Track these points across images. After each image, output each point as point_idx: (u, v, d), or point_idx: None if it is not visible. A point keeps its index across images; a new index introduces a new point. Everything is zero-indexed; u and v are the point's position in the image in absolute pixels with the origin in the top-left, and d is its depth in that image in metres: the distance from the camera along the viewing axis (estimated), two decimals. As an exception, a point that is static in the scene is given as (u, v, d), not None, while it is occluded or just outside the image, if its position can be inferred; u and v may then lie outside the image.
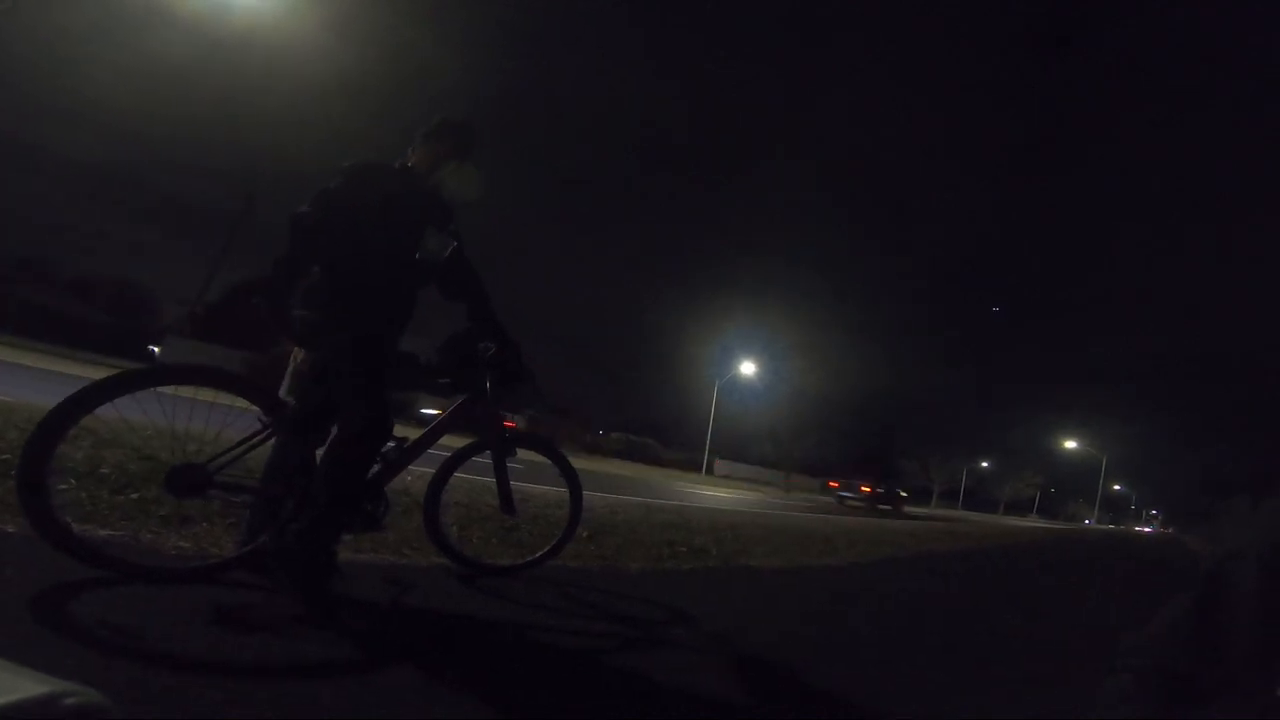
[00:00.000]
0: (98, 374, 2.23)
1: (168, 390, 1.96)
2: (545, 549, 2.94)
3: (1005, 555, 9.75)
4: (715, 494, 15.69)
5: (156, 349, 32.01)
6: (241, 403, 2.07)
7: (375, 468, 2.26)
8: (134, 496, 2.49)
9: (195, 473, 1.94)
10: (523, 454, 2.71)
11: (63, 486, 2.35)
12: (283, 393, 2.29)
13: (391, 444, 2.31)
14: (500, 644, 1.95)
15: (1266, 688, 0.65)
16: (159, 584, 1.85)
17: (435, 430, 2.44)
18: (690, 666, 2.05)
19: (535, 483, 5.02)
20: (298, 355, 2.37)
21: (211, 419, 2.10)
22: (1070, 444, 60.02)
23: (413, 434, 2.38)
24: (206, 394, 2.05)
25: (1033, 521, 53.87)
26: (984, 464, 62.26)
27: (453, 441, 2.81)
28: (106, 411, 1.89)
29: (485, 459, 2.69)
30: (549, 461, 2.89)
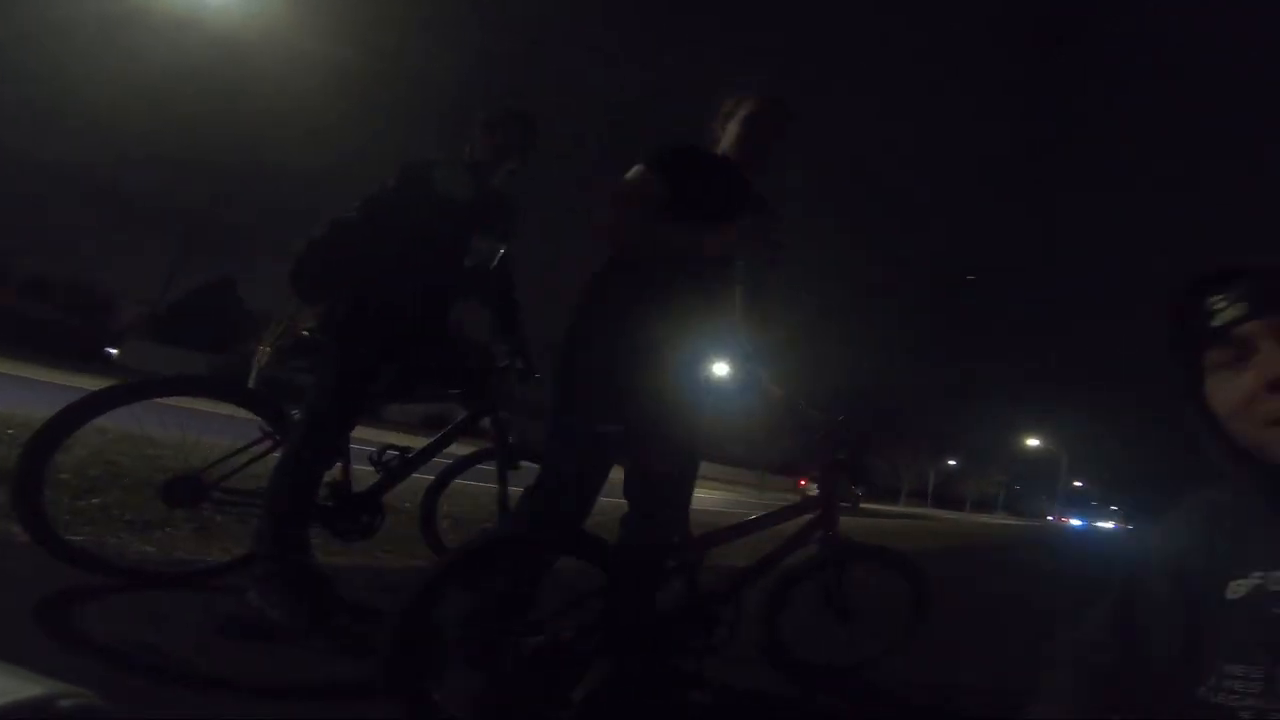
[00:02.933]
0: (71, 381, 2.16)
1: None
2: None
3: (967, 553, 9.96)
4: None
5: (115, 351, 31.06)
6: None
7: (377, 476, 2.22)
8: (95, 502, 2.41)
9: (192, 482, 1.94)
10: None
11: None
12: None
13: (395, 453, 2.26)
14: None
15: (1188, 688, 0.66)
16: (149, 589, 1.84)
17: (441, 440, 2.39)
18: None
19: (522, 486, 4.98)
20: (262, 356, 2.31)
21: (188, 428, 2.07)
22: (1032, 442, 61.58)
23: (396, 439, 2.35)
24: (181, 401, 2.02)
25: (1000, 518, 55.15)
26: (950, 462, 63.49)
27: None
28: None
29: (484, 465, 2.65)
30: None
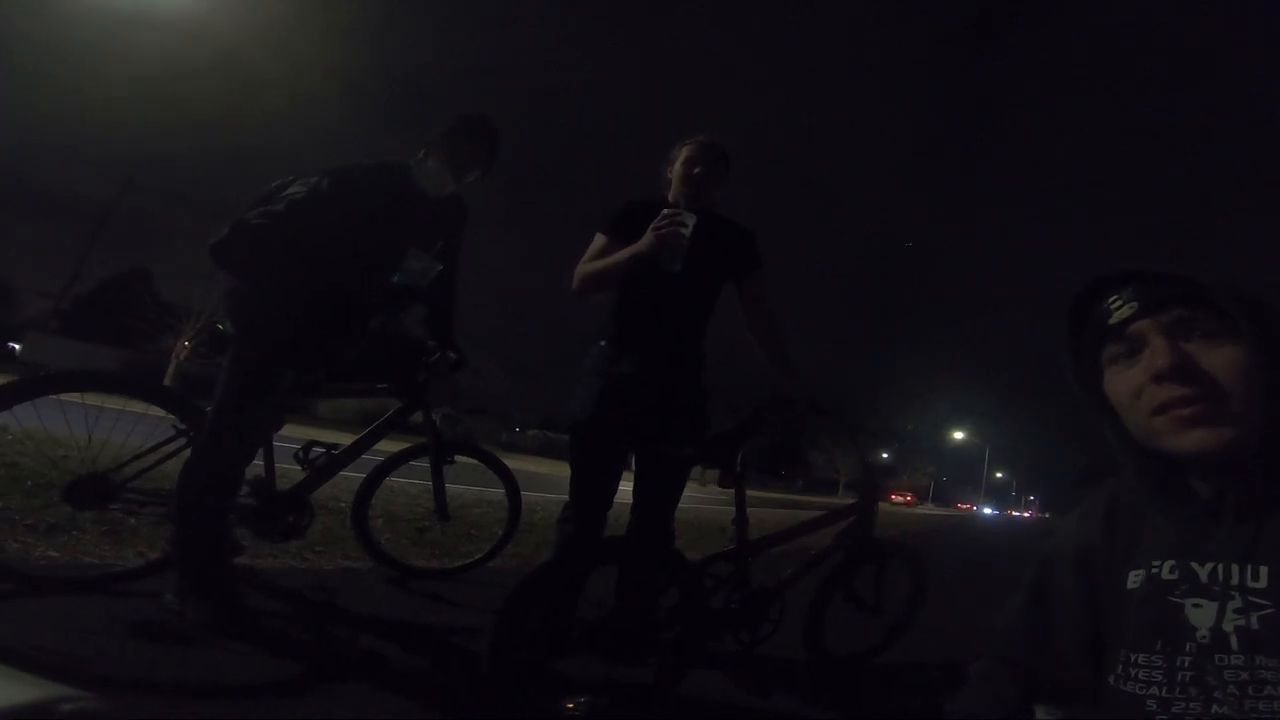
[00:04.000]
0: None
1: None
2: (484, 552, 2.88)
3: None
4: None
5: (17, 346, 28.80)
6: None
7: (304, 474, 2.17)
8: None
9: (99, 482, 1.84)
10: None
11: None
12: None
13: (321, 450, 2.21)
14: (420, 647, 1.90)
15: (1099, 677, 0.70)
16: (57, 594, 1.72)
17: (369, 437, 2.33)
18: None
19: (450, 483, 4.91)
20: (181, 351, 2.19)
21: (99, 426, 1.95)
22: (958, 435, 64.72)
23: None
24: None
25: (928, 509, 57.59)
26: (884, 455, 65.84)
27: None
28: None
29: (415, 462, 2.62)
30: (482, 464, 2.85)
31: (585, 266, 1.90)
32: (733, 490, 2.02)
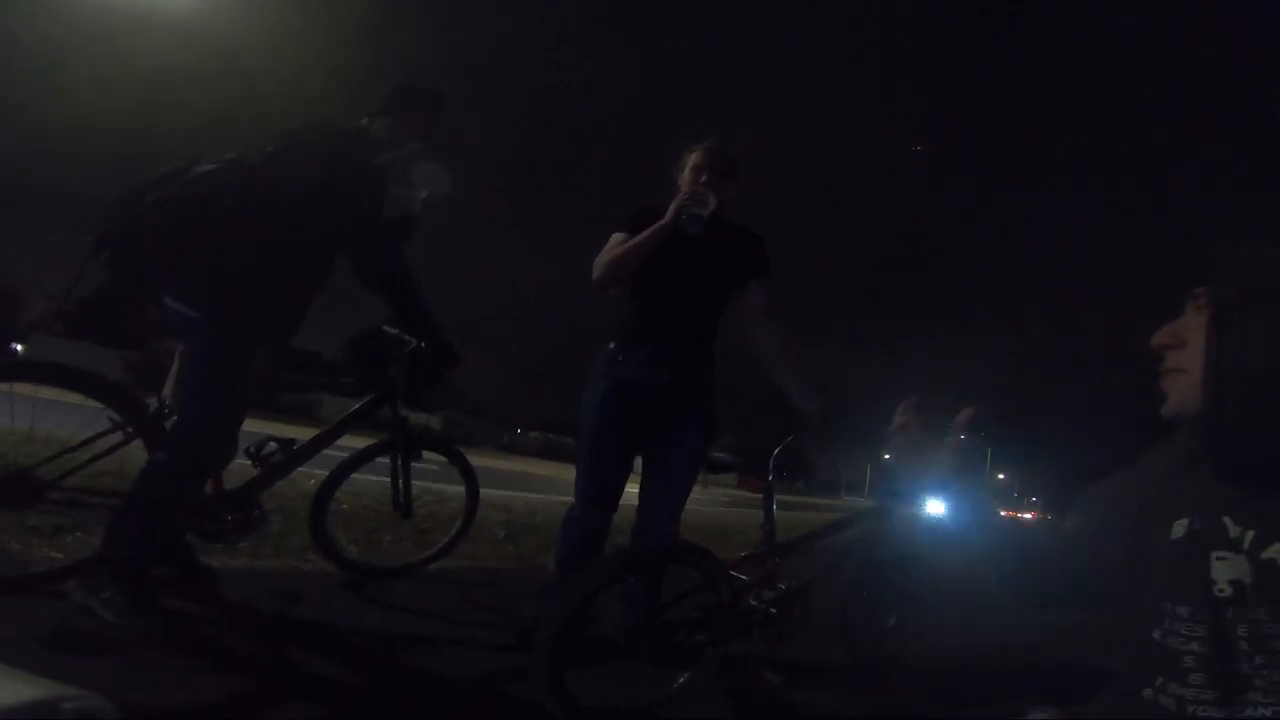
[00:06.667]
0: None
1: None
2: (435, 548, 2.75)
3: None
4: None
5: (20, 347, 28.86)
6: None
7: (256, 470, 2.10)
8: None
9: (20, 479, 1.74)
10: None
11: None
12: (166, 393, 2.03)
13: (275, 446, 2.13)
14: (381, 652, 1.88)
15: (1144, 630, 0.71)
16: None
17: (331, 432, 2.25)
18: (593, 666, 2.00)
19: (456, 484, 4.88)
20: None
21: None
22: (960, 435, 64.60)
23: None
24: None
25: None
26: (886, 456, 65.56)
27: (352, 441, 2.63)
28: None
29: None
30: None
31: (605, 255, 1.94)
32: (759, 494, 2.08)
